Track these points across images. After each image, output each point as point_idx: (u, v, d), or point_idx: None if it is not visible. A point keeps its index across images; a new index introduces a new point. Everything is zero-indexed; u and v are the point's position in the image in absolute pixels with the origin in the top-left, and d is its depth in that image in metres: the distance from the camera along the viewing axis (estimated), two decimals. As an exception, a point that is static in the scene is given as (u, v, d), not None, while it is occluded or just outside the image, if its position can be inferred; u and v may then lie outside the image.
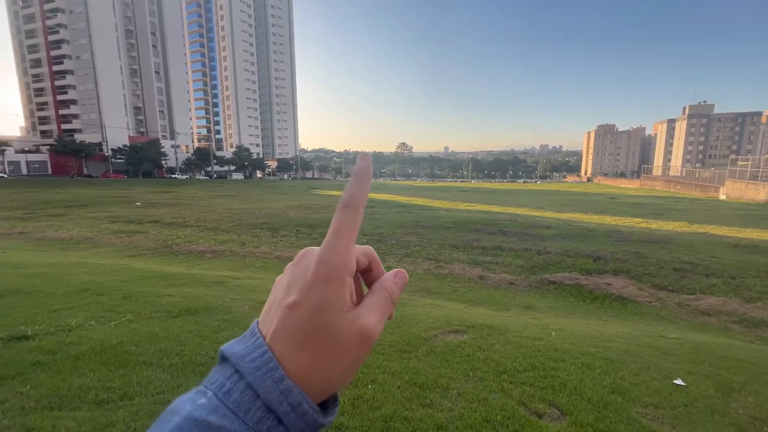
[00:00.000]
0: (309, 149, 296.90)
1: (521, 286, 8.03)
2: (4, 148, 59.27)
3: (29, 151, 68.09)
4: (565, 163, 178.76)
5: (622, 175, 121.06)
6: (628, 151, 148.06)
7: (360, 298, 0.37)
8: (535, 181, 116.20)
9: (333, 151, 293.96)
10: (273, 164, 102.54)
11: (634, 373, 3.44)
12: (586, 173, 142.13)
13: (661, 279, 8.45)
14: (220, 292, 5.95)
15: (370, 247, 0.40)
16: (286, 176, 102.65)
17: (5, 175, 55.20)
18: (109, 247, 11.46)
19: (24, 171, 63.69)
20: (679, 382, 3.32)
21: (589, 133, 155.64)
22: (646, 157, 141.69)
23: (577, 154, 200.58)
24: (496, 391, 3.03)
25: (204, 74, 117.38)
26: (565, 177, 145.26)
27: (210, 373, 0.31)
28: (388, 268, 0.39)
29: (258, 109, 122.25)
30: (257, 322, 0.34)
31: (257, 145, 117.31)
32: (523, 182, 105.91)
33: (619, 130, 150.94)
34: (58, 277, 6.48)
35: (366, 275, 0.40)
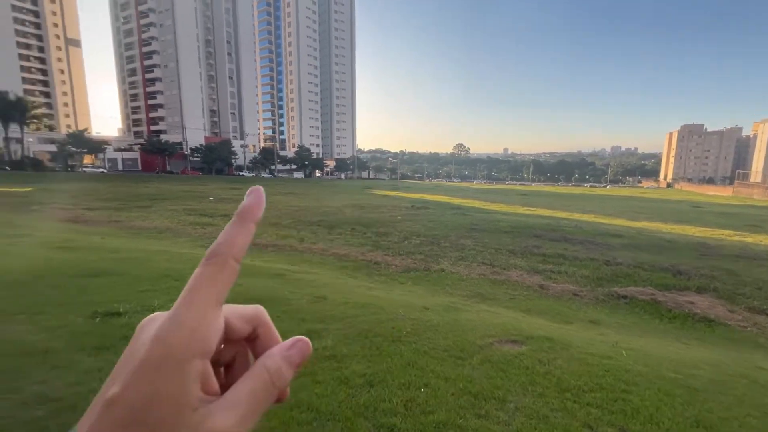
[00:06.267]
0: (365, 149, 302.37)
1: (586, 299, 7.47)
2: (105, 147, 68.38)
3: (124, 150, 77.57)
4: (640, 167, 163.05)
5: (711, 181, 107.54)
6: (718, 155, 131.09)
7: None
8: (605, 186, 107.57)
9: (389, 152, 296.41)
10: (331, 164, 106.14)
11: (724, 407, 3.03)
12: (665, 178, 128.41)
13: (759, 301, 7.39)
14: (279, 284, 6.27)
15: (260, 307, 0.31)
16: (343, 176, 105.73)
17: (105, 171, 63.44)
18: (186, 238, 12.62)
19: (120, 167, 72.56)
20: (783, 423, 2.86)
21: (671, 133, 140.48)
22: (741, 161, 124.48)
23: (656, 157, 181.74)
24: (557, 409, 2.83)
25: (271, 78, 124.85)
26: (640, 182, 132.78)
27: None
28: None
29: (319, 111, 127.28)
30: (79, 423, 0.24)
31: (317, 146, 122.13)
32: (590, 186, 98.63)
33: (708, 130, 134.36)
34: (145, 262, 7.28)
35: (253, 344, 0.31)
